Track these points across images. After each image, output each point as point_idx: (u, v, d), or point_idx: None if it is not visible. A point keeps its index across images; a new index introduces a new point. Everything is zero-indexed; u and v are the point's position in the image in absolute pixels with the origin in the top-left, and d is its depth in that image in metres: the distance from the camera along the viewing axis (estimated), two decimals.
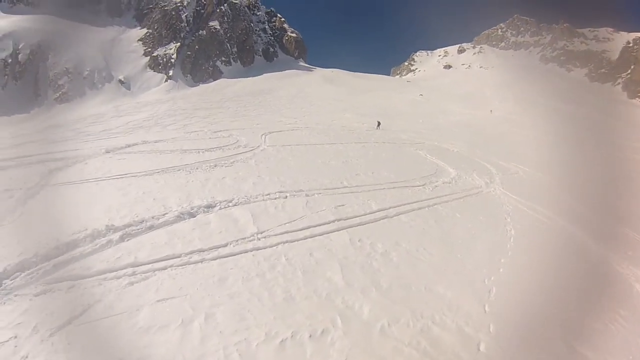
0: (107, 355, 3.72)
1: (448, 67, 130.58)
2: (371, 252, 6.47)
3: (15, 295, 4.49)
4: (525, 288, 5.98)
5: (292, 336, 4.21)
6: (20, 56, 53.43)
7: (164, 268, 5.32)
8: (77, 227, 6.30)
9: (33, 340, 3.86)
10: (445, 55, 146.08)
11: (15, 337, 3.88)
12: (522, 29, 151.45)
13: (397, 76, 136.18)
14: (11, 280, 4.76)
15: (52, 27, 61.13)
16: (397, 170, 12.95)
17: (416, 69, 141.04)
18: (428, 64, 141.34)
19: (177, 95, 54.84)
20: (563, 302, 5.71)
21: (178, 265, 5.42)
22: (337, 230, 7.20)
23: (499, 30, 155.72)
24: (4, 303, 4.37)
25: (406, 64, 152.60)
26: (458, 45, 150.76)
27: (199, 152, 13.22)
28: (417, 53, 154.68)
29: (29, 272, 4.98)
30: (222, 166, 11.35)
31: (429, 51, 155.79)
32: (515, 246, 7.64)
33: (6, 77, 50.64)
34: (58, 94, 51.95)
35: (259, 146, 15.18)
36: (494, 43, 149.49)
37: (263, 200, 8.49)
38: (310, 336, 4.25)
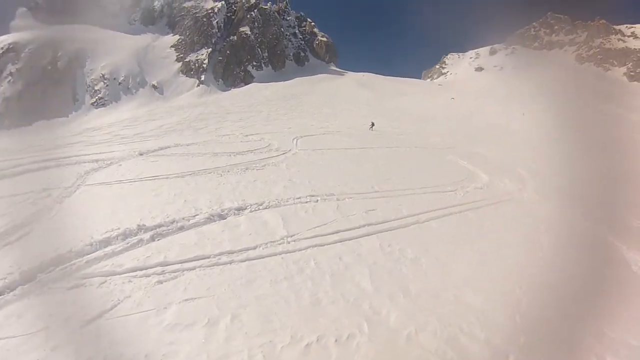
0: (134, 349, 3.86)
1: (480, 69, 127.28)
2: (400, 257, 6.38)
3: (50, 288, 4.76)
4: (557, 299, 5.71)
5: (317, 340, 4.20)
6: (59, 63, 57.25)
7: (193, 268, 5.47)
8: (110, 226, 6.63)
9: (65, 331, 4.09)
10: (476, 57, 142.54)
11: (48, 327, 4.12)
12: (556, 27, 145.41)
13: (429, 79, 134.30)
14: (46, 274, 5.06)
15: (89, 35, 65.07)
16: (428, 175, 12.79)
17: (447, 71, 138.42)
18: (459, 67, 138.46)
19: (209, 99, 56.37)
20: (596, 315, 5.41)
21: (207, 266, 5.56)
22: (367, 235, 7.16)
23: (532, 29, 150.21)
24: (39, 295, 4.64)
25: (437, 66, 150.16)
26: (490, 47, 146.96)
27: (230, 155, 13.54)
28: (448, 55, 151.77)
29: (64, 266, 5.29)
30: (253, 169, 11.57)
31: (460, 53, 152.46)
32: (547, 255, 7.32)
33: (46, 83, 54.13)
34: (95, 99, 54.97)
35: (290, 150, 15.35)
36: (527, 43, 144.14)
37: (294, 203, 8.57)
38: (335, 341, 4.23)
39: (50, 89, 54.07)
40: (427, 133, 27.54)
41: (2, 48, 55.63)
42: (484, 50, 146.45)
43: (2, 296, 4.61)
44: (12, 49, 55.77)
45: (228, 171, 11.11)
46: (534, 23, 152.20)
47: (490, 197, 10.91)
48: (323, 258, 6.08)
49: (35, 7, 71.01)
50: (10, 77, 52.93)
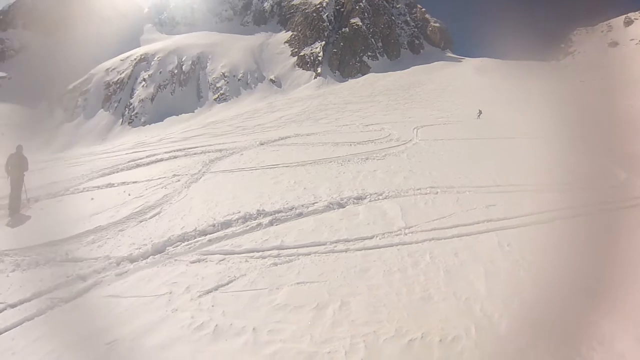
0: (243, 322, 4.09)
1: (614, 44, 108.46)
2: (519, 259, 5.65)
3: (175, 260, 5.36)
4: None
5: (421, 337, 3.91)
6: (184, 67, 66.41)
7: (308, 254, 5.59)
8: (231, 210, 7.27)
9: (184, 298, 4.55)
10: (608, 30, 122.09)
11: (170, 292, 4.65)
12: None
13: (554, 61, 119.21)
14: (174, 247, 5.72)
15: (207, 40, 73.79)
16: (558, 169, 11.19)
17: (574, 50, 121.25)
18: (588, 44, 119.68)
19: (327, 90, 58.14)
20: None
21: (322, 252, 5.61)
22: (486, 232, 6.53)
23: None
24: (166, 265, 5.25)
25: (562, 45, 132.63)
26: (624, 16, 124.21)
27: (350, 144, 13.73)
28: (575, 32, 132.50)
29: (188, 243, 5.92)
30: (373, 159, 11.55)
31: (588, 28, 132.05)
32: None
33: (174, 85, 63.56)
34: (217, 95, 61.56)
35: (410, 140, 14.98)
36: None
37: (413, 194, 8.28)
38: (440, 341, 3.88)
39: (178, 89, 63.20)
40: (557, 123, 24.40)
41: (135, 59, 66.65)
42: (617, 21, 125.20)
43: (136, 262, 5.38)
44: (144, 59, 66.68)
45: (348, 160, 11.25)
46: None
47: (629, 198, 9.11)
48: (439, 252, 5.70)
49: (159, 22, 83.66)
50: (143, 82, 62.77)
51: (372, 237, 6.13)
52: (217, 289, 4.65)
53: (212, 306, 4.34)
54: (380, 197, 8.02)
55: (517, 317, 4.34)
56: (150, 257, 5.50)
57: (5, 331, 4.29)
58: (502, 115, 27.35)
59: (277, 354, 3.67)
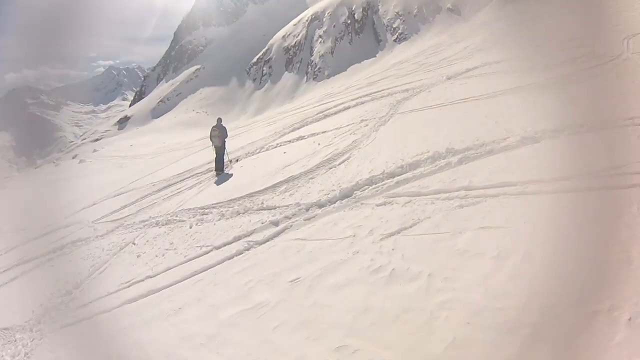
0: (420, 266, 4.18)
1: None
2: None
3: (362, 204, 5.74)
4: None
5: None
6: (356, 15, 66.37)
7: (497, 195, 5.17)
8: (420, 149, 7.24)
9: (366, 240, 4.86)
10: None
11: (354, 235, 5.04)
12: None
13: None
14: (361, 191, 6.12)
15: None
16: None
17: None
18: None
19: (511, 10, 50.66)
20: None
21: (511, 194, 5.10)
22: None
23: None
24: (352, 209, 5.68)
25: None
26: None
27: (546, 68, 11.58)
28: None
29: (376, 186, 6.25)
30: (573, 84, 9.63)
31: None
32: None
33: (350, 35, 64.64)
34: (395, 36, 59.99)
35: (620, 54, 11.90)
36: None
37: (624, 125, 6.71)
38: None
39: (355, 38, 64.03)
40: None
41: (307, 20, 70.60)
42: None
43: (324, 207, 5.97)
44: (315, 18, 69.88)
45: (545, 87, 9.70)
46: None
47: None
48: None
49: None
50: (320, 39, 65.95)
51: (569, 179, 5.09)
52: (399, 232, 4.80)
53: (393, 249, 4.53)
54: (583, 129, 6.73)
55: None
56: (338, 201, 6.04)
57: (210, 268, 5.50)
58: None
59: (447, 303, 3.61)
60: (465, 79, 12.97)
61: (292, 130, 12.29)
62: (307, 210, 6.10)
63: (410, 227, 4.88)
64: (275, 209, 6.65)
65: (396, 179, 6.28)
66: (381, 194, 5.90)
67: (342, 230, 5.22)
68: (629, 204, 4.28)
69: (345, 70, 57.07)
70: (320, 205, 6.08)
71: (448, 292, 3.74)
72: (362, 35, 63.79)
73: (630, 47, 12.76)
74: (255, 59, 74.27)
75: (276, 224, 6.08)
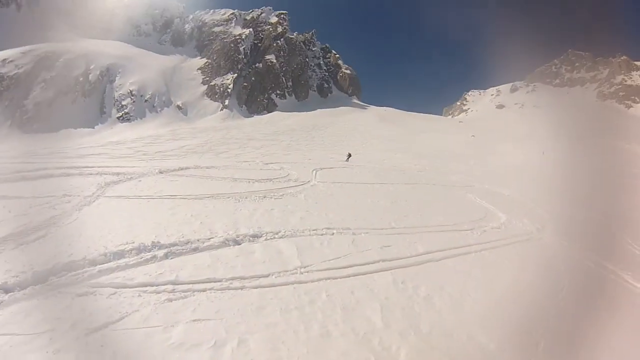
0: None
1: (501, 106, 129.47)
2: (413, 295, 6.28)
3: (59, 292, 4.87)
4: (576, 345, 5.50)
5: None
6: (90, 76, 61.00)
7: (204, 290, 5.48)
8: (125, 239, 6.81)
9: (69, 336, 4.15)
10: (497, 95, 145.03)
11: (53, 330, 4.19)
12: (577, 64, 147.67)
13: (450, 116, 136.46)
14: (58, 277, 5.20)
15: (121, 52, 68.99)
16: (445, 213, 12.64)
17: (468, 108, 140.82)
18: (480, 104, 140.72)
19: (231, 124, 57.87)
20: None
21: (218, 289, 5.55)
22: (381, 271, 7.08)
23: (553, 66, 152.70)
24: (48, 298, 4.76)
25: (458, 103, 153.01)
26: (511, 84, 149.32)
27: (249, 181, 13.72)
28: (469, 92, 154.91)
29: (75, 273, 5.41)
30: (271, 198, 11.66)
31: (481, 90, 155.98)
32: (567, 297, 7.10)
33: (77, 93, 57.84)
34: (121, 113, 57.57)
35: (309, 181, 15.47)
36: (547, 80, 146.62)
37: (309, 235, 8.56)
38: None
39: (80, 99, 57.51)
40: (447, 170, 27.62)
41: (38, 55, 59.53)
42: (505, 88, 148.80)
43: (12, 293, 4.77)
44: (48, 57, 59.59)
45: (246, 197, 11.21)
46: (555, 60, 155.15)
47: (508, 236, 10.69)
48: (335, 291, 6.03)
49: (73, 20, 76.30)
50: (43, 84, 56.27)
51: (268, 276, 6.21)
52: (106, 327, 4.32)
53: (101, 346, 4.03)
54: (277, 236, 8.12)
55: (414, 348, 4.75)
56: (30, 287, 4.89)
57: None
58: (402, 161, 29.74)
59: None
60: (176, 176, 13.48)
61: None
62: None
63: (119, 320, 4.47)
64: None
65: (98, 267, 5.64)
66: (82, 282, 5.16)
67: (38, 324, 4.21)
68: (318, 292, 5.85)
69: (58, 131, 49.66)
70: (7, 289, 4.76)
71: None
72: (89, 100, 58.27)
73: (317, 177, 16.67)
74: None
75: None
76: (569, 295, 7.19)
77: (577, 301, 7.07)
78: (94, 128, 53.36)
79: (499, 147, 50.52)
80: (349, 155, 28.87)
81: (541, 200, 16.94)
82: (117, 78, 63.21)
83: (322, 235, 8.63)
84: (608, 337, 5.74)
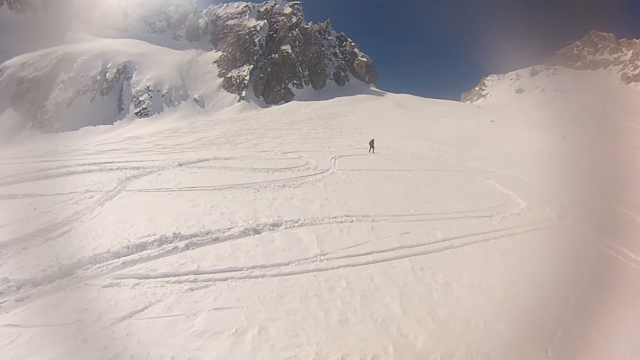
0: (161, 351, 3.98)
1: (520, 91, 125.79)
2: (432, 282, 6.24)
3: (86, 284, 5.03)
4: (594, 337, 5.37)
5: (342, 358, 4.17)
6: (107, 74, 62.23)
7: (225, 279, 5.59)
8: (147, 231, 7.02)
9: (96, 326, 4.30)
10: (517, 79, 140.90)
11: (80, 320, 4.36)
12: (599, 45, 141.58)
13: (468, 101, 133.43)
14: (84, 270, 5.36)
15: (136, 49, 70.11)
16: (464, 199, 12.47)
17: (487, 93, 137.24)
18: (499, 88, 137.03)
19: (249, 115, 58.08)
20: None
21: (239, 278, 5.65)
22: (400, 258, 7.07)
23: (575, 49, 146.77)
24: (74, 290, 4.92)
25: (477, 88, 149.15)
26: (531, 68, 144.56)
27: (268, 171, 13.88)
28: (488, 77, 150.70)
29: (100, 265, 5.57)
30: (290, 187, 11.77)
31: (500, 75, 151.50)
32: (587, 287, 6.92)
33: (95, 92, 59.00)
34: (139, 109, 58.39)
35: (328, 169, 15.50)
36: (569, 63, 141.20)
37: (329, 222, 8.59)
38: None
39: (98, 97, 58.86)
40: (466, 156, 27.24)
41: (56, 57, 60.98)
42: (524, 72, 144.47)
43: (40, 286, 4.94)
44: (66, 59, 60.98)
45: (265, 187, 11.35)
46: (577, 42, 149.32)
47: (528, 223, 10.48)
48: (354, 278, 6.05)
49: (88, 21, 77.62)
50: (62, 84, 57.56)
51: (288, 264, 6.28)
52: (131, 316, 4.46)
53: (127, 334, 4.16)
54: (296, 225, 8.20)
55: (432, 335, 4.75)
56: (57, 280, 5.09)
57: None
58: (420, 148, 29.45)
59: None
60: (195, 168, 13.75)
61: (3, 185, 9.87)
62: (19, 288, 4.81)
63: (142, 310, 4.61)
64: None
65: (122, 259, 5.84)
66: (107, 274, 5.34)
67: (66, 315, 4.40)
68: (338, 279, 5.90)
69: (78, 129, 50.97)
70: (36, 283, 4.95)
71: None
72: (107, 98, 59.54)
73: (336, 165, 16.68)
74: None
75: None
76: (589, 285, 7.02)
77: (597, 291, 6.88)
78: (112, 124, 54.38)
79: (519, 132, 49.26)
80: (372, 144, 26.16)
81: (562, 187, 16.56)
82: (133, 75, 64.25)
83: (341, 222, 8.65)
84: (627, 329, 5.58)
